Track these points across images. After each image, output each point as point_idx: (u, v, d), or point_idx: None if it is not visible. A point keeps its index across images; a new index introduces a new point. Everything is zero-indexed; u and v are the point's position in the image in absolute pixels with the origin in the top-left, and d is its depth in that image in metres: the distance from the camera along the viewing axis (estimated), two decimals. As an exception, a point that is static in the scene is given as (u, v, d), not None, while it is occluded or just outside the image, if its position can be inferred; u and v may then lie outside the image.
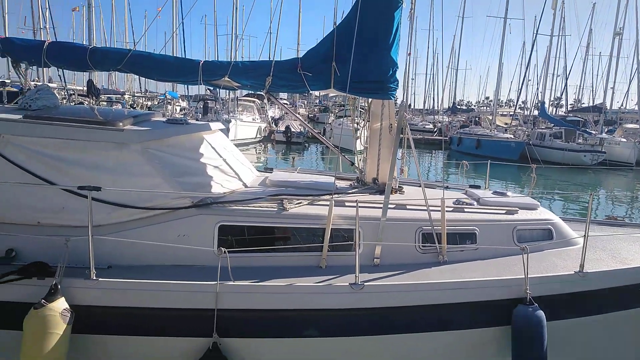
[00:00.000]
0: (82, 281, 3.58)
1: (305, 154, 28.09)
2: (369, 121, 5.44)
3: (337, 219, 4.33)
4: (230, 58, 32.46)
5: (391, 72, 4.63)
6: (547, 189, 16.78)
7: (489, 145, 28.84)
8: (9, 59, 4.96)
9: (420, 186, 4.86)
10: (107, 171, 4.14)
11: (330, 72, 4.64)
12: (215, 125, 5.57)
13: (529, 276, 3.94)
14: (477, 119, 39.12)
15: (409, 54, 6.41)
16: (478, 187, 6.22)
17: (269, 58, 5.21)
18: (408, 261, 4.42)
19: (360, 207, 4.07)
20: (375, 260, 4.35)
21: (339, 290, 3.81)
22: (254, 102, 34.45)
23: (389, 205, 4.49)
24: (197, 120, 6.29)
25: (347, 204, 4.64)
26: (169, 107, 29.79)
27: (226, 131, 5.92)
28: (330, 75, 4.65)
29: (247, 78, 4.80)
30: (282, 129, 32.02)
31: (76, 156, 4.15)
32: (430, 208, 4.50)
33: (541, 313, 3.86)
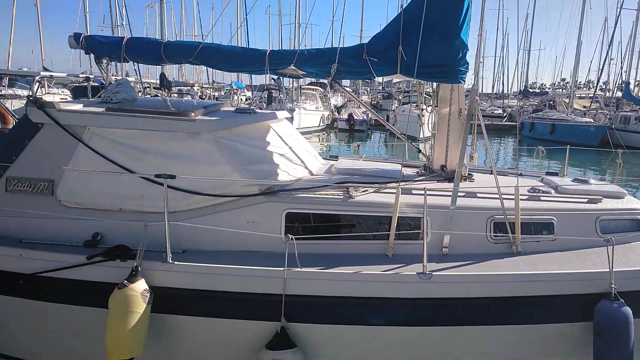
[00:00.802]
0: (159, 264, 3.78)
1: (368, 141, 27.88)
2: (436, 106, 5.26)
3: (404, 207, 4.24)
4: (294, 47, 32.81)
5: (461, 54, 4.44)
6: (632, 176, 15.46)
7: (566, 130, 27.03)
8: (93, 55, 5.31)
9: (491, 173, 4.65)
10: (181, 160, 4.33)
11: (396, 57, 4.53)
12: (282, 114, 5.64)
13: (614, 270, 3.66)
14: (551, 102, 36.74)
15: (480, 35, 6.10)
16: (556, 174, 5.85)
17: (332, 45, 5.17)
18: (478, 251, 4.25)
19: (428, 194, 3.96)
20: (443, 249, 4.24)
21: (406, 279, 3.76)
22: (316, 90, 34.63)
23: (459, 193, 4.34)
24: (261, 109, 6.42)
25: (414, 191, 4.54)
26: (235, 97, 30.70)
27: (290, 120, 5.99)
28: (396, 60, 4.54)
29: (312, 66, 4.80)
30: (345, 116, 31.94)
31: (153, 146, 4.37)
32: (503, 196, 4.29)
33: (627, 309, 3.58)
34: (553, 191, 4.86)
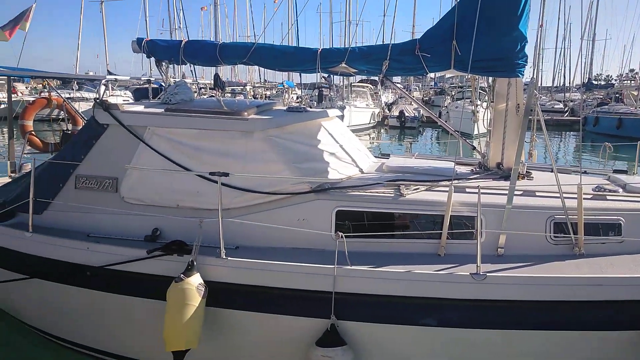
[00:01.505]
0: (213, 259, 3.90)
1: (420, 138, 27.36)
2: (492, 102, 5.07)
3: (458, 205, 4.13)
4: (345, 44, 32.75)
5: (519, 47, 4.25)
6: None
7: (634, 124, 25.20)
8: (153, 58, 5.56)
9: (552, 171, 4.43)
10: (234, 158, 4.44)
11: (450, 51, 4.41)
12: (333, 112, 5.65)
13: None
14: (618, 95, 34.39)
15: (541, 26, 5.82)
16: (624, 172, 5.48)
17: (383, 42, 5.11)
18: (537, 252, 4.07)
19: (482, 193, 3.83)
20: (499, 250, 4.08)
21: (459, 280, 3.66)
22: (367, 87, 34.40)
23: (516, 192, 4.17)
24: (312, 107, 6.47)
25: (468, 190, 4.41)
26: (286, 95, 31.09)
27: (341, 117, 6.00)
28: (450, 55, 4.42)
29: (363, 63, 4.77)
30: (396, 113, 31.54)
31: (208, 144, 4.50)
32: (565, 195, 4.07)
33: None
34: (621, 190, 4.55)
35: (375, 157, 6.09)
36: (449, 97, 33.95)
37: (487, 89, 5.63)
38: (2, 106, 28.36)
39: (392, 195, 4.30)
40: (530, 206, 4.18)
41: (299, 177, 4.33)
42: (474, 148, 5.58)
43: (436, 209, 4.17)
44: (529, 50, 4.33)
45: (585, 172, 5.20)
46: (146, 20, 39.32)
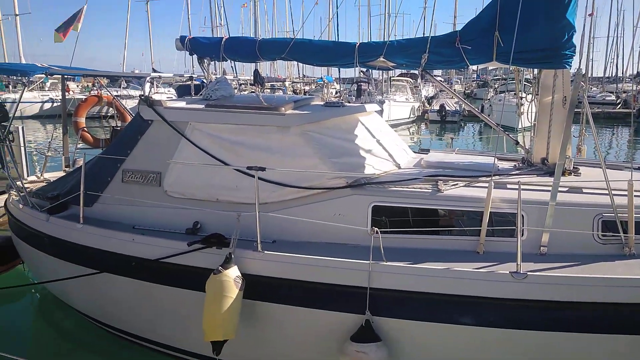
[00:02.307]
0: (251, 252, 3.97)
1: (461, 133, 26.71)
2: (537, 94, 4.88)
3: (498, 201, 4.01)
4: (384, 38, 32.37)
5: (567, 37, 4.05)
6: None
7: (695, 117, 23.62)
8: (196, 56, 5.70)
9: (601, 167, 4.22)
10: (272, 152, 4.49)
11: (492, 43, 4.27)
12: (371, 107, 5.61)
13: None
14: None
15: (590, 15, 5.53)
16: None
17: (424, 34, 5.01)
18: (583, 252, 3.89)
19: (524, 189, 3.69)
20: (541, 248, 3.94)
21: (498, 278, 3.56)
22: (406, 81, 33.88)
23: (562, 188, 4.00)
24: (350, 102, 6.44)
25: (509, 186, 4.27)
26: (325, 90, 31.11)
27: (380, 112, 5.94)
28: (492, 47, 4.28)
29: (402, 57, 4.70)
30: (436, 107, 30.89)
31: (247, 139, 4.58)
32: (615, 192, 3.87)
33: None
34: None
35: (415, 152, 6.00)
36: (491, 90, 32.93)
37: (532, 81, 5.43)
38: (56, 104, 29.94)
39: (430, 190, 4.23)
40: (576, 203, 4.00)
41: (335, 172, 4.33)
42: (517, 143, 5.40)
43: (475, 205, 4.07)
44: (577, 39, 4.13)
45: (638, 168, 4.93)
46: (189, 18, 40.21)
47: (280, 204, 4.40)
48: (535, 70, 5.11)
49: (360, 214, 4.22)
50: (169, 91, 29.21)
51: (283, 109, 4.61)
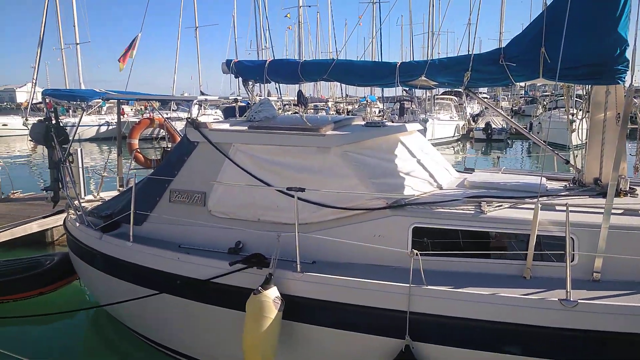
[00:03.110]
0: (290, 273, 3.97)
1: (509, 152, 25.88)
2: (588, 112, 4.68)
3: (546, 224, 3.83)
4: (427, 56, 32.20)
5: (619, 51, 3.87)
6: None
7: None
8: (241, 78, 5.88)
9: None
10: (312, 173, 4.52)
11: (538, 59, 4.14)
12: (412, 126, 5.55)
13: None
14: None
15: (645, 27, 5.27)
16: None
17: (468, 51, 4.94)
18: None
19: (575, 211, 3.51)
20: (594, 274, 3.71)
21: (546, 306, 3.37)
22: (451, 99, 33.39)
23: (617, 210, 3.78)
24: (393, 121, 6.42)
25: (558, 207, 4.08)
26: (368, 109, 31.14)
27: (423, 131, 5.88)
28: (538, 64, 4.15)
29: (444, 75, 4.65)
30: (482, 125, 30.17)
31: (287, 160, 4.64)
32: None
33: None
34: None
35: (459, 171, 5.87)
36: (540, 107, 31.86)
37: (583, 97, 5.21)
38: (111, 127, 31.62)
39: (473, 212, 4.10)
40: (633, 226, 3.76)
41: (374, 192, 4.30)
42: (568, 162, 5.17)
43: (521, 228, 3.90)
44: (629, 53, 3.93)
45: None
46: (235, 42, 41.73)
47: (320, 225, 4.40)
48: (587, 86, 4.91)
49: (401, 236, 4.15)
50: (216, 112, 30.27)
51: (323, 129, 4.65)
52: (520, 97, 53.48)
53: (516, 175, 5.49)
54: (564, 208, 3.52)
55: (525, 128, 5.31)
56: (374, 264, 4.18)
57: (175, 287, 4.46)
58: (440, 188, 4.84)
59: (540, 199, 3.87)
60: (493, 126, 29.07)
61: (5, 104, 60.90)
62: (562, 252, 3.68)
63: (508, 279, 3.79)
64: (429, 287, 3.59)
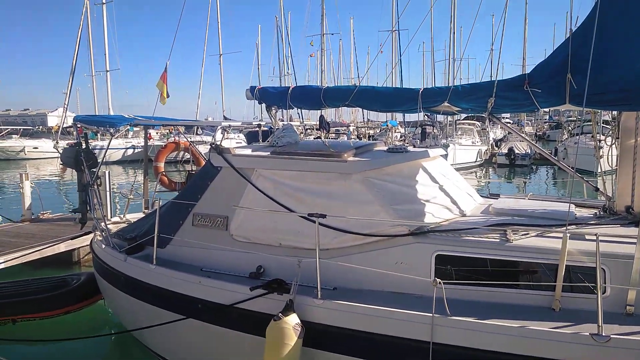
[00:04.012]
0: (311, 300, 3.93)
1: (533, 177, 25.42)
2: (618, 138, 4.58)
3: (575, 254, 3.71)
4: (449, 82, 32.24)
5: None
6: None
7: None
8: (264, 104, 5.99)
9: None
10: (334, 199, 4.50)
11: (564, 85, 4.09)
12: (436, 152, 5.52)
13: None
14: None
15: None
16: None
17: (491, 77, 4.93)
18: None
19: (604, 240, 3.39)
20: (627, 307, 3.55)
21: (577, 340, 3.22)
22: (473, 124, 33.19)
23: None
24: (414, 146, 6.41)
25: (588, 236, 3.96)
26: (390, 134, 31.20)
27: (444, 156, 5.82)
28: (564, 90, 4.10)
29: (467, 101, 4.63)
30: (505, 151, 29.81)
31: (309, 185, 4.64)
32: None
33: None
34: None
35: (483, 197, 5.77)
36: (566, 132, 31.34)
37: (611, 122, 5.12)
38: (137, 150, 32.41)
39: (498, 240, 4.00)
40: None
41: (396, 219, 4.25)
42: (597, 189, 5.04)
43: (548, 257, 3.78)
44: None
45: None
46: (258, 69, 42.63)
47: (341, 251, 4.36)
48: (615, 112, 4.82)
49: (423, 263, 4.08)
50: (238, 137, 30.77)
51: (345, 155, 4.66)
52: (545, 122, 52.82)
53: (543, 201, 5.36)
54: (594, 237, 3.41)
55: (550, 153, 5.18)
56: (396, 292, 4.10)
57: (197, 312, 4.46)
58: (464, 215, 4.76)
59: (569, 227, 3.74)
60: (516, 151, 28.69)
61: (37, 127, 63.28)
62: (593, 283, 3.55)
63: (536, 311, 3.66)
64: (453, 317, 3.50)
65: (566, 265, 3.63)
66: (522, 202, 5.22)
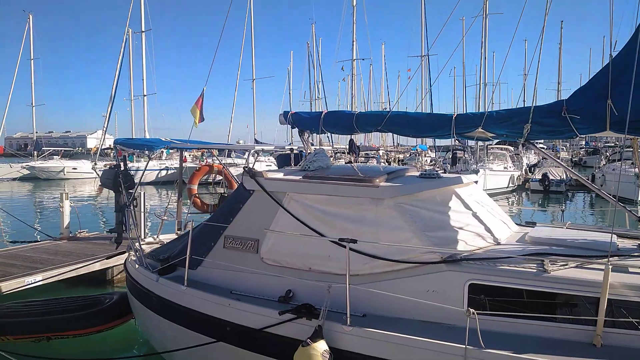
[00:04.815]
0: (339, 326, 3.86)
1: (569, 204, 24.61)
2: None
3: (618, 287, 3.54)
4: (479, 107, 31.93)
5: None
6: None
7: None
8: (297, 129, 6.07)
9: None
10: (365, 224, 4.46)
11: (604, 112, 3.99)
12: (469, 178, 5.44)
13: None
14: None
15: None
16: None
17: (524, 103, 4.86)
18: None
19: None
20: None
21: None
22: (506, 149, 32.59)
23: None
24: (445, 170, 6.35)
25: (631, 269, 3.77)
26: (419, 158, 30.96)
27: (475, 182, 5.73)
28: (604, 116, 4.00)
29: (502, 128, 4.57)
30: (539, 176, 29.05)
31: (340, 210, 4.63)
32: None
33: None
34: None
35: (519, 225, 5.62)
36: (603, 158, 30.38)
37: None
38: (170, 171, 33.22)
39: (535, 270, 3.86)
40: None
41: (428, 246, 4.18)
42: (640, 218, 4.84)
43: (589, 290, 3.61)
44: None
45: None
46: (290, 93, 43.38)
47: (371, 277, 4.30)
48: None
49: (456, 292, 3.97)
50: (268, 159, 31.17)
51: (377, 180, 4.64)
52: (580, 148, 51.39)
53: (583, 231, 5.17)
54: (639, 270, 3.26)
55: (588, 180, 5.01)
56: (427, 321, 4.01)
57: (226, 334, 4.46)
58: (499, 243, 4.63)
59: (611, 258, 3.58)
60: (551, 177, 27.92)
61: (77, 149, 65.97)
62: (638, 319, 3.37)
63: (575, 346, 3.49)
64: (487, 350, 3.37)
65: (608, 298, 3.46)
66: (560, 232, 5.05)
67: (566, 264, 3.91)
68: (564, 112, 4.14)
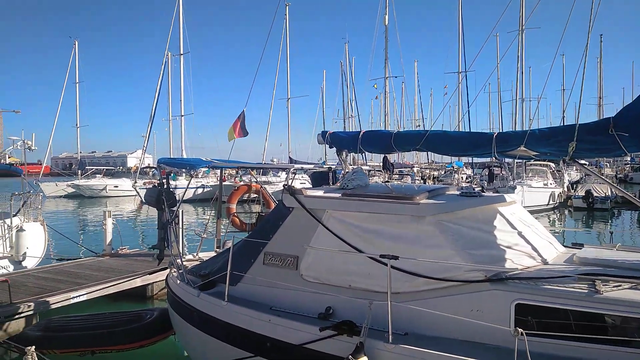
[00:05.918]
0: (381, 344, 3.84)
1: (615, 222, 23.53)
2: None
3: None
4: (515, 123, 31.22)
5: None
6: None
7: None
8: (335, 148, 6.13)
9: None
10: (405, 242, 4.45)
11: None
12: (512, 197, 5.34)
13: None
14: None
15: None
16: None
17: (563, 119, 4.75)
18: None
19: None
20: None
21: None
22: (547, 165, 31.61)
23: None
24: (482, 187, 6.24)
25: None
26: (455, 176, 30.46)
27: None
28: None
29: (545, 146, 4.48)
30: (582, 193, 27.98)
31: (380, 227, 4.63)
32: None
33: None
34: None
35: (566, 246, 5.44)
36: (651, 175, 29.00)
37: None
38: (206, 189, 33.92)
39: (586, 290, 3.73)
40: None
41: (472, 264, 4.11)
42: (697, 239, 4.59)
43: None
44: None
45: None
46: (323, 112, 43.75)
47: (413, 295, 4.26)
48: None
49: (501, 312, 3.87)
50: (303, 177, 31.40)
51: (418, 198, 4.63)
52: (626, 164, 49.33)
53: (635, 253, 4.95)
54: None
55: (635, 196, 4.80)
56: (471, 341, 3.92)
57: (266, 350, 4.49)
58: (546, 263, 4.50)
59: None
60: (595, 194, 26.83)
61: (118, 167, 68.52)
62: None
63: None
64: None
65: None
66: (609, 253, 4.85)
67: (619, 285, 3.77)
68: (610, 129, 4.02)
